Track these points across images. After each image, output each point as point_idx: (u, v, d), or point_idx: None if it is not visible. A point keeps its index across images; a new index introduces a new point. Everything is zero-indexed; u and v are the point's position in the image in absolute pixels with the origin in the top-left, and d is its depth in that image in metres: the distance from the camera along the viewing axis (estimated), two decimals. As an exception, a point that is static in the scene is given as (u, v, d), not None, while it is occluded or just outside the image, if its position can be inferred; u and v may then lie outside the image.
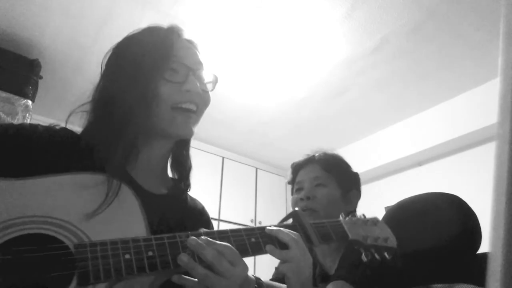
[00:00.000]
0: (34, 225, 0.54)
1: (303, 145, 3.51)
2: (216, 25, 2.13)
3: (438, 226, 1.08)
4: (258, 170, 3.78)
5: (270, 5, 2.02)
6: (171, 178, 0.84)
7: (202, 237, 0.60)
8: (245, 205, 3.50)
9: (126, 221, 0.60)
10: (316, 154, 1.27)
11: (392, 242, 0.86)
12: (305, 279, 0.65)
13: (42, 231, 0.54)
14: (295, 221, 0.75)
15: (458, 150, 2.80)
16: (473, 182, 2.50)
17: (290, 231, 0.69)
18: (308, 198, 1.18)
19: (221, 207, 3.27)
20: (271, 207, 3.69)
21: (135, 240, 0.57)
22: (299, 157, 1.32)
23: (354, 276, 0.95)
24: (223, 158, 3.54)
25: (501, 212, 0.29)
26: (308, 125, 3.15)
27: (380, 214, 1.24)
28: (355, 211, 1.11)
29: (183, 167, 0.84)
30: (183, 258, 0.57)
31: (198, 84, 0.74)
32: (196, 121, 0.77)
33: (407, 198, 1.21)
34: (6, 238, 0.51)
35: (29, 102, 2.23)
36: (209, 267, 0.57)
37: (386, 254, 0.83)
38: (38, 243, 0.52)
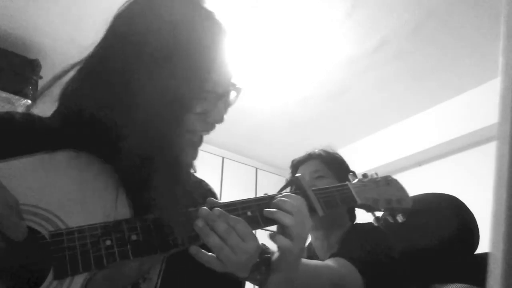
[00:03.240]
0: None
1: (303, 145, 3.50)
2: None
3: (436, 227, 1.08)
4: (258, 170, 3.78)
5: (269, 6, 2.01)
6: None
7: (215, 208, 0.56)
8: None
9: (106, 201, 0.54)
10: (316, 151, 1.30)
11: (407, 202, 0.80)
12: (300, 250, 0.62)
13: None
14: (296, 188, 0.69)
15: (458, 150, 2.80)
16: (473, 182, 2.50)
17: (292, 202, 0.61)
18: None
19: (221, 207, 3.26)
20: (271, 207, 3.68)
21: (117, 224, 0.51)
22: (302, 154, 1.34)
23: (354, 255, 0.93)
24: (223, 158, 3.54)
25: (501, 212, 0.29)
26: (308, 125, 3.14)
27: (380, 214, 1.24)
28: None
29: None
30: (199, 223, 0.54)
31: (224, 112, 0.64)
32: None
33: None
34: None
35: (29, 102, 2.23)
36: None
37: (400, 216, 0.78)
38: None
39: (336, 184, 0.75)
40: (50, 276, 0.47)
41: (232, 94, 0.69)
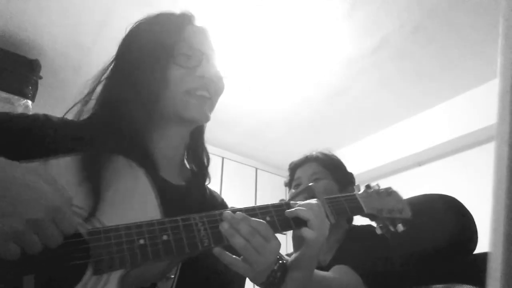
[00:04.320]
0: None
1: (303, 145, 3.50)
2: (215, 25, 2.12)
3: (435, 227, 1.08)
4: (258, 170, 3.78)
5: (269, 6, 2.01)
6: (190, 169, 0.82)
7: (238, 212, 0.61)
8: (245, 205, 3.50)
9: (139, 202, 0.58)
10: (313, 153, 1.31)
11: (407, 213, 0.86)
12: (320, 246, 0.67)
13: None
14: (310, 196, 0.75)
15: (458, 150, 2.80)
16: (473, 182, 2.50)
17: (309, 202, 0.69)
18: None
19: (221, 207, 3.27)
20: (271, 207, 3.68)
21: (149, 224, 0.55)
22: (300, 157, 1.35)
23: (358, 262, 0.96)
24: (223, 158, 3.54)
25: (501, 212, 0.29)
26: (308, 125, 3.15)
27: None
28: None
29: (199, 158, 0.82)
30: (225, 225, 0.58)
31: (211, 70, 0.72)
32: (211, 107, 0.75)
33: (405, 199, 1.21)
34: None
35: (29, 102, 2.23)
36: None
37: (400, 225, 0.83)
38: None
39: (344, 194, 0.80)
40: (89, 272, 0.50)
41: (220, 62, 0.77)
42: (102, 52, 2.36)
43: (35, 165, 0.54)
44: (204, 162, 0.82)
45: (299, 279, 0.69)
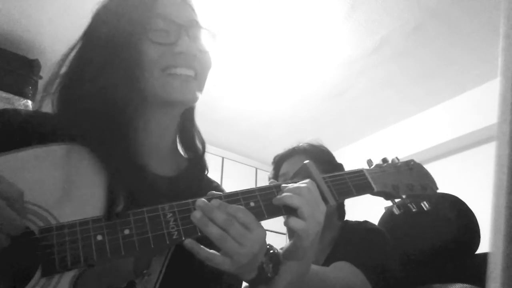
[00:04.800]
0: None
1: (303, 145, 3.51)
2: (216, 25, 2.12)
3: (437, 227, 1.07)
4: (258, 170, 3.78)
5: (269, 7, 2.01)
6: (186, 159, 0.74)
7: (213, 199, 0.53)
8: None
9: (88, 190, 0.52)
10: (300, 144, 1.21)
11: (432, 188, 0.72)
12: (315, 235, 0.57)
13: None
14: (306, 176, 0.63)
15: (458, 150, 2.80)
16: (473, 182, 2.50)
17: (299, 185, 0.58)
18: None
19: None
20: (271, 207, 3.68)
21: (107, 217, 0.50)
22: (297, 140, 1.27)
23: (357, 257, 0.91)
24: (223, 158, 3.54)
25: (501, 212, 0.29)
26: (308, 125, 3.15)
27: (380, 214, 1.24)
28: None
29: (192, 144, 0.74)
30: (197, 214, 0.51)
31: (193, 44, 0.63)
32: (199, 86, 0.66)
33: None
34: None
35: (29, 102, 2.23)
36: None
37: (424, 203, 0.71)
38: None
39: (348, 171, 0.69)
40: (38, 274, 0.45)
41: (206, 36, 0.69)
42: (102, 52, 2.35)
43: None
44: (197, 148, 0.74)
45: (294, 270, 0.60)
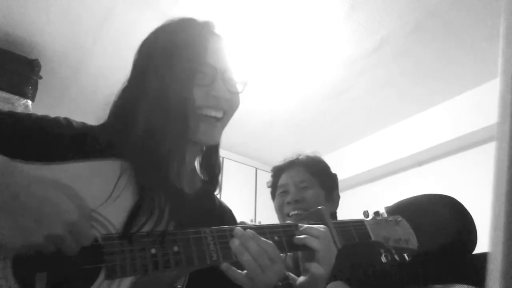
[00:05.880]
0: None
1: (303, 145, 3.50)
2: (215, 25, 2.12)
3: (434, 228, 1.08)
4: (258, 170, 3.78)
5: (270, 7, 2.01)
6: (201, 179, 0.81)
7: (248, 230, 0.62)
8: (245, 205, 3.50)
9: (127, 204, 0.59)
10: (299, 157, 1.27)
11: (413, 243, 0.85)
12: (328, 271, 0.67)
13: None
14: (318, 220, 0.73)
15: (458, 150, 2.80)
16: (473, 182, 2.50)
17: (317, 229, 0.68)
18: (296, 201, 1.19)
19: (221, 207, 3.26)
20: (270, 207, 3.68)
21: (161, 234, 0.57)
22: (295, 152, 1.32)
23: (352, 276, 0.96)
24: (223, 158, 3.54)
25: (501, 212, 0.29)
26: (308, 125, 3.15)
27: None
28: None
29: (212, 169, 0.81)
30: (235, 241, 0.60)
31: (226, 88, 0.70)
32: (222, 127, 0.74)
33: (404, 199, 1.21)
34: None
35: (29, 102, 2.23)
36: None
37: (406, 255, 0.83)
38: None
39: (353, 219, 0.80)
40: (101, 276, 0.52)
41: (238, 78, 0.75)
42: (102, 52, 2.36)
43: (56, 169, 0.56)
44: (216, 173, 0.81)
45: None
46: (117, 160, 0.61)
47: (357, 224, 0.79)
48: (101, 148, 0.62)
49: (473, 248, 1.06)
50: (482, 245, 1.05)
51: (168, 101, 0.65)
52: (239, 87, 0.75)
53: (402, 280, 0.99)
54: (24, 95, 2.21)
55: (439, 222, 1.07)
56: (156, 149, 0.64)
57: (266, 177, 4.22)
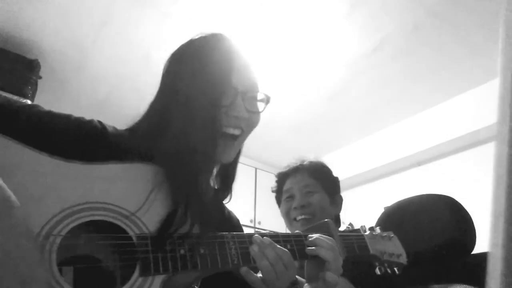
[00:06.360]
0: (100, 211, 0.56)
1: (302, 145, 3.51)
2: (215, 25, 2.12)
3: (433, 228, 1.08)
4: (258, 170, 3.78)
5: (269, 7, 2.02)
6: (213, 188, 0.84)
7: (265, 237, 0.67)
8: (245, 205, 3.50)
9: (161, 210, 0.62)
10: (304, 162, 1.31)
11: (403, 259, 0.91)
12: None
13: (108, 219, 0.56)
14: (325, 232, 0.79)
15: (458, 150, 2.80)
16: (473, 182, 2.50)
17: (327, 241, 0.73)
18: (303, 206, 1.23)
19: (221, 207, 3.27)
20: (270, 207, 3.67)
21: (188, 237, 0.60)
22: (299, 157, 1.35)
23: (353, 273, 0.97)
24: (222, 158, 3.54)
25: (501, 212, 0.29)
26: (307, 125, 3.15)
27: (378, 213, 1.24)
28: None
29: (227, 179, 0.83)
30: (255, 247, 0.65)
31: (245, 108, 0.73)
32: (239, 145, 0.78)
33: (404, 199, 1.22)
34: (77, 222, 0.54)
35: (29, 102, 2.23)
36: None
37: (396, 269, 0.89)
38: (104, 231, 0.56)
39: (353, 233, 0.86)
40: (136, 273, 0.55)
41: (259, 100, 0.79)
42: (102, 52, 2.35)
43: (95, 169, 0.59)
44: (230, 183, 0.84)
45: None
46: (149, 164, 0.63)
47: (358, 237, 0.85)
48: (132, 152, 0.66)
49: (473, 248, 1.06)
50: (482, 245, 1.05)
51: (198, 121, 0.68)
52: (260, 106, 0.78)
53: (402, 280, 0.99)
54: (24, 95, 2.20)
55: (438, 222, 1.08)
56: (189, 163, 0.66)
57: (266, 177, 4.23)
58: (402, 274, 1.00)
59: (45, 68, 2.37)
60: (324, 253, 0.71)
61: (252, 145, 3.49)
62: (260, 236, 0.67)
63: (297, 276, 0.74)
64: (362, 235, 0.87)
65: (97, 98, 2.76)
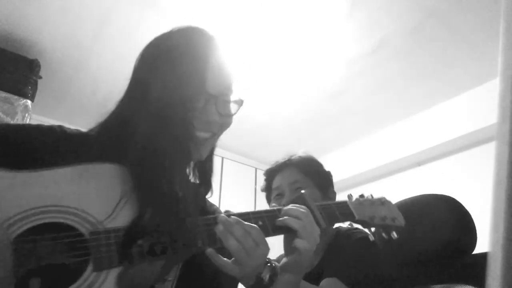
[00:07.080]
0: (51, 214, 0.56)
1: (302, 145, 3.51)
2: (215, 25, 2.12)
3: (433, 228, 1.08)
4: (258, 170, 3.78)
5: (270, 7, 2.02)
6: (192, 182, 0.81)
7: (232, 216, 0.64)
8: (245, 205, 3.50)
9: (131, 207, 0.61)
10: (292, 158, 1.25)
11: (400, 221, 0.88)
12: (311, 256, 0.70)
13: (60, 220, 0.56)
14: (301, 204, 0.76)
15: (458, 151, 2.80)
16: (473, 182, 2.50)
17: (297, 210, 0.71)
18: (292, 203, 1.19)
19: (221, 207, 3.26)
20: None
21: (147, 226, 0.59)
22: (288, 153, 1.30)
23: (347, 273, 0.96)
24: (222, 158, 3.54)
25: (501, 212, 0.29)
26: (307, 125, 3.14)
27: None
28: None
29: (206, 174, 0.81)
30: (220, 227, 0.62)
31: (218, 111, 0.70)
32: (211, 145, 0.76)
33: (404, 199, 1.21)
34: (26, 227, 0.54)
35: (29, 102, 2.23)
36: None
37: (393, 233, 0.86)
38: (56, 231, 0.55)
39: (335, 201, 0.84)
40: (89, 268, 0.54)
41: (233, 101, 0.76)
42: (102, 51, 2.35)
43: (46, 174, 0.57)
44: (209, 177, 0.82)
45: (288, 281, 0.72)
46: (113, 164, 0.62)
47: (340, 205, 0.83)
48: (96, 153, 0.64)
49: (473, 248, 1.06)
50: (482, 245, 1.05)
51: (170, 121, 0.65)
52: (233, 108, 0.76)
53: (402, 281, 0.99)
54: (24, 95, 2.20)
55: (438, 222, 1.07)
56: (156, 165, 0.64)
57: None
58: (402, 274, 0.99)
59: (45, 68, 2.37)
60: (291, 222, 0.69)
61: (252, 145, 3.50)
62: (225, 216, 0.64)
63: (271, 258, 0.73)
64: (345, 202, 0.84)
65: (97, 98, 2.76)
